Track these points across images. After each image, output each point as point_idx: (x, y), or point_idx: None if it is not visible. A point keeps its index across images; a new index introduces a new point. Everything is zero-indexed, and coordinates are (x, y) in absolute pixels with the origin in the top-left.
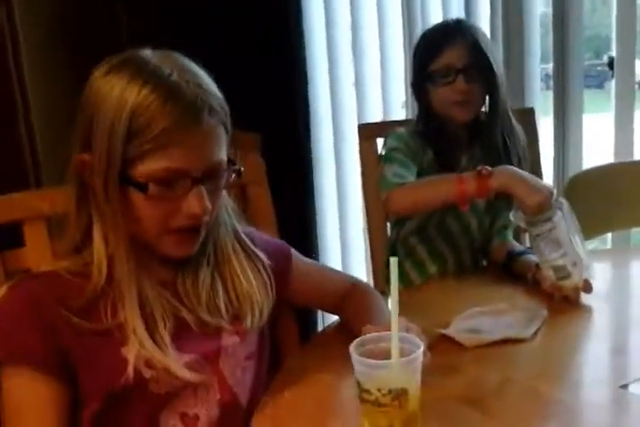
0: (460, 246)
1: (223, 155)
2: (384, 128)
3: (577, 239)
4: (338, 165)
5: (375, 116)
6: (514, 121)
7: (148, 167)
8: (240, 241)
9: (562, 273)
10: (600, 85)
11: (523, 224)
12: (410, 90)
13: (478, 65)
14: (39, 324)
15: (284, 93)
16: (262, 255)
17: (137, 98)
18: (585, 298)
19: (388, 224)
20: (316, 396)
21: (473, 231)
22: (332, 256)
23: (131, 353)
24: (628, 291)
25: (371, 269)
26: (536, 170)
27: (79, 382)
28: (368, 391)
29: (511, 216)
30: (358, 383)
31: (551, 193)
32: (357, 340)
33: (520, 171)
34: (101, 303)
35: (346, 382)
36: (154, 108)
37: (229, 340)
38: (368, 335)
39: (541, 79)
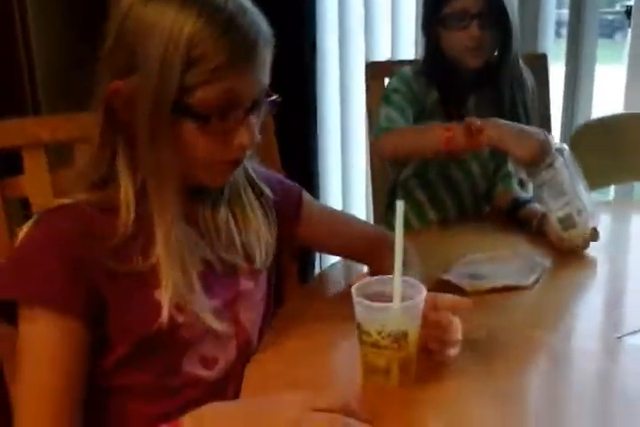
0: (462, 192)
1: (267, 88)
2: (392, 67)
3: (580, 187)
4: (343, 104)
5: (384, 54)
6: (523, 67)
7: (204, 97)
8: (247, 175)
9: (567, 223)
10: (610, 35)
11: (523, 175)
12: (420, 29)
13: (494, 11)
14: (67, 263)
15: (290, 27)
16: (268, 191)
17: (193, 28)
18: (590, 250)
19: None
20: (314, 338)
21: (475, 176)
22: (333, 196)
23: (164, 297)
24: (628, 244)
25: (372, 210)
26: (544, 116)
27: (107, 326)
28: (368, 333)
29: (510, 168)
30: (358, 325)
31: (544, 142)
32: (360, 282)
33: (510, 123)
34: (131, 243)
35: (346, 325)
36: (211, 40)
37: (246, 284)
38: (372, 278)
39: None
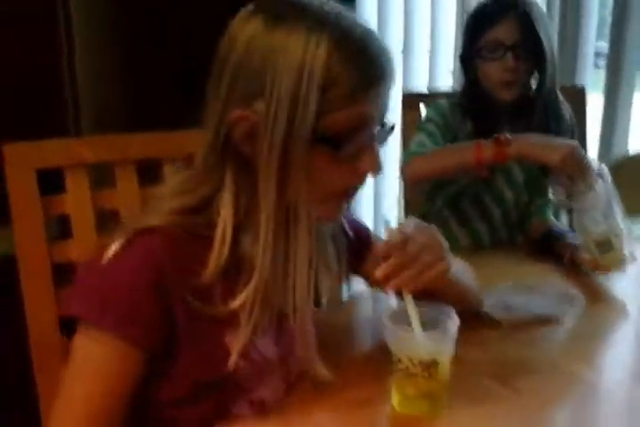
0: (495, 220)
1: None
2: (428, 98)
3: (618, 210)
4: None
5: (421, 85)
6: (561, 101)
7: (336, 123)
8: None
9: (605, 246)
10: None
11: (563, 197)
12: (458, 59)
13: (529, 43)
14: (153, 292)
15: None
16: (349, 233)
17: (325, 53)
18: (618, 280)
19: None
20: (349, 369)
21: (508, 205)
22: None
23: (235, 344)
24: None
25: None
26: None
27: (172, 362)
28: (400, 360)
29: (550, 193)
30: (392, 352)
31: (576, 148)
32: (394, 311)
33: (538, 135)
34: (218, 284)
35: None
36: (345, 65)
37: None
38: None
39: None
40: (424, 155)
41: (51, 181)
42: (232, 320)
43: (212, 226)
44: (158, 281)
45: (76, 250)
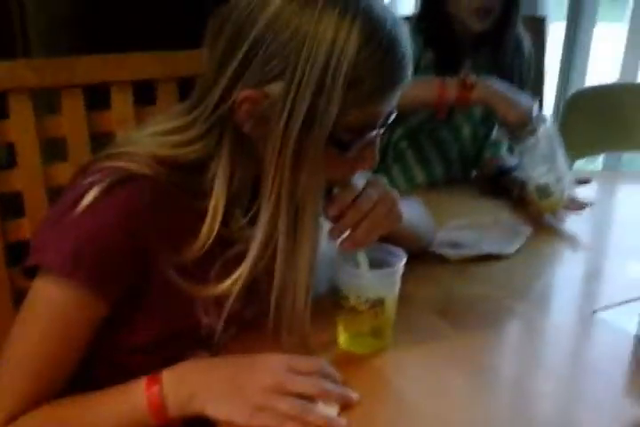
0: (451, 156)
1: None
2: None
3: (560, 157)
4: None
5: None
6: (523, 33)
7: (351, 121)
8: None
9: (544, 192)
10: None
11: (507, 140)
12: None
13: None
14: (135, 251)
15: None
16: None
17: (357, 44)
18: (569, 219)
19: None
20: None
21: (465, 141)
22: None
23: (201, 302)
24: (612, 216)
25: None
26: (539, 83)
27: (136, 315)
28: (346, 298)
29: (495, 132)
30: (338, 290)
31: (532, 107)
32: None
33: (502, 85)
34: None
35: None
36: (373, 62)
37: None
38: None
39: None
40: None
41: None
42: (196, 275)
43: (201, 194)
44: (135, 234)
45: (20, 179)
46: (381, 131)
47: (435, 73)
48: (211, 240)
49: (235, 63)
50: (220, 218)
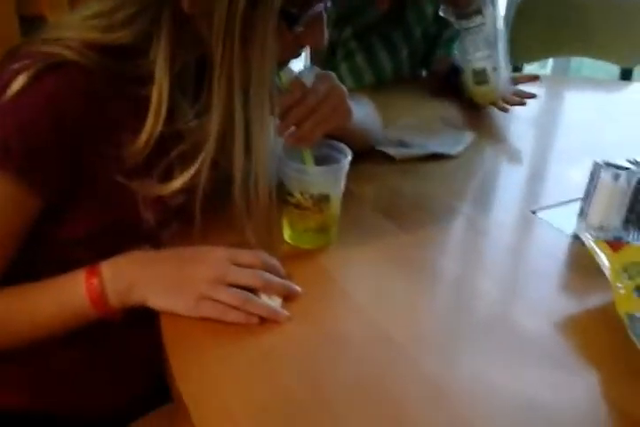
0: (401, 54)
1: None
2: None
3: (502, 47)
4: None
5: None
6: None
7: None
8: None
9: (480, 77)
10: None
11: (452, 18)
12: None
13: None
14: (65, 140)
15: None
16: None
17: None
18: (515, 122)
19: None
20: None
21: (415, 38)
22: None
23: (141, 195)
24: (558, 120)
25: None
26: None
27: (74, 206)
28: (291, 194)
29: (441, 11)
30: (284, 185)
31: None
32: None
33: None
34: (129, 122)
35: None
36: None
37: None
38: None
39: None
40: None
41: None
42: (139, 170)
43: (140, 81)
44: (68, 123)
45: None
46: (329, 3)
47: None
48: (158, 130)
49: None
50: (165, 104)
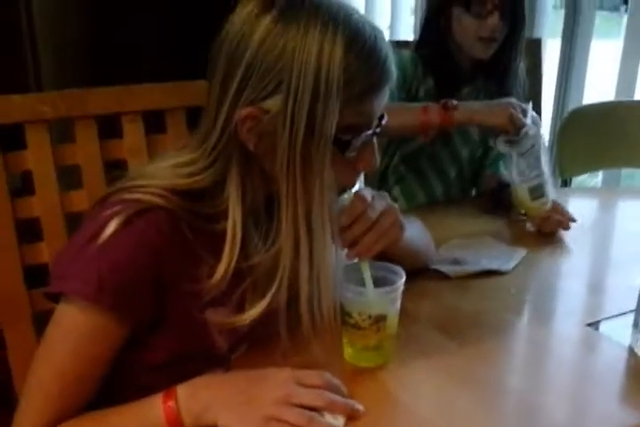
0: (450, 176)
1: None
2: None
3: (544, 158)
4: None
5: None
6: (520, 58)
7: (345, 122)
8: None
9: (536, 193)
10: (616, 8)
11: (505, 147)
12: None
13: (512, 2)
14: (147, 276)
15: None
16: None
17: (341, 52)
18: (568, 236)
19: None
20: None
21: (463, 161)
22: None
23: (211, 320)
24: (612, 231)
25: None
26: (536, 103)
27: (153, 336)
28: (350, 315)
29: (491, 143)
30: (342, 306)
31: (513, 106)
32: (346, 266)
33: (478, 102)
34: (206, 258)
35: None
36: (358, 64)
37: None
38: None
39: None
40: None
41: (12, 138)
42: (214, 300)
43: (217, 218)
44: (156, 262)
45: (38, 206)
46: (377, 130)
47: (434, 101)
48: (233, 263)
49: (233, 88)
50: (239, 237)
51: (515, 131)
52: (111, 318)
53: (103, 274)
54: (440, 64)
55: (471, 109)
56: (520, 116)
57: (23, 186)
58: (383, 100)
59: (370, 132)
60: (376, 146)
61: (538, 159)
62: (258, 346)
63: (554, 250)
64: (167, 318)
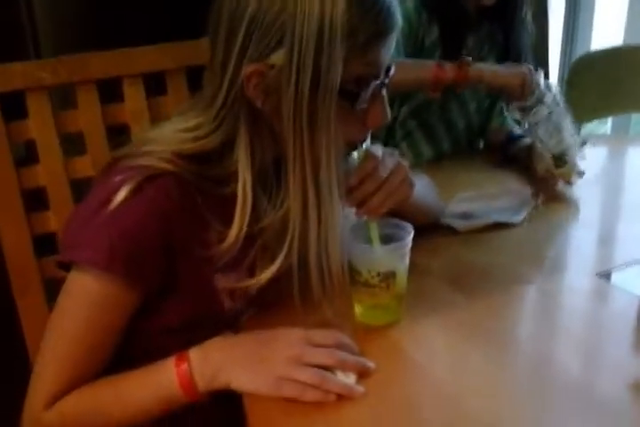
0: (457, 129)
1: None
2: None
3: (568, 124)
4: None
5: None
6: (526, 5)
7: (354, 73)
8: None
9: (560, 160)
10: None
11: (518, 115)
12: None
13: None
14: (159, 242)
15: None
16: None
17: (344, 4)
18: (577, 185)
19: None
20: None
21: (471, 113)
22: None
23: (221, 284)
24: (622, 179)
25: None
26: (543, 49)
27: (164, 300)
28: (359, 273)
29: (505, 112)
30: (350, 265)
31: (529, 72)
32: (354, 224)
33: (495, 64)
34: (215, 223)
35: None
36: (363, 12)
37: None
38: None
39: None
40: None
41: (13, 106)
42: (226, 265)
43: (226, 181)
44: (166, 229)
45: (43, 174)
46: (386, 81)
47: (439, 51)
48: (245, 227)
49: (237, 46)
50: (250, 200)
51: (524, 96)
52: (123, 286)
53: (114, 242)
54: (445, 7)
55: (487, 68)
56: (533, 82)
57: (27, 155)
58: (390, 49)
59: (378, 82)
60: (386, 99)
61: (558, 127)
62: (268, 308)
63: (563, 200)
64: (178, 283)
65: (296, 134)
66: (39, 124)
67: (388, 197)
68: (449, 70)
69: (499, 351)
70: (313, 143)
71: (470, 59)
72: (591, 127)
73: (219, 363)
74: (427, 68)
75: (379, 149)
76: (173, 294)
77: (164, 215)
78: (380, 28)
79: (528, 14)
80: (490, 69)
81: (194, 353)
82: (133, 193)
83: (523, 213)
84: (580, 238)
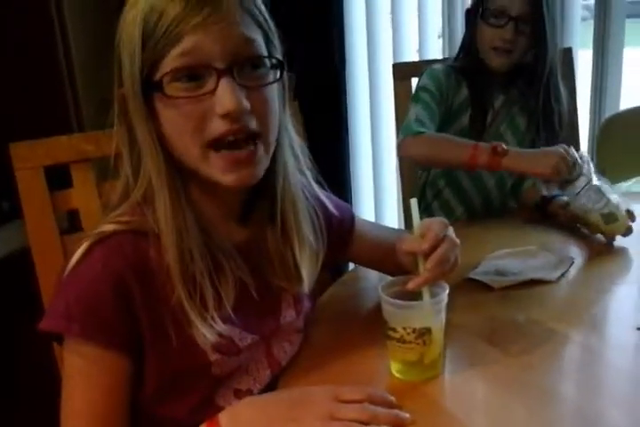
0: (488, 187)
1: (256, 47)
2: (419, 68)
3: (606, 186)
4: (372, 105)
5: (411, 47)
6: (559, 79)
7: (165, 65)
8: (306, 192)
9: (610, 218)
10: None
11: (557, 191)
12: (447, 21)
13: (532, 17)
14: (118, 300)
15: (318, 29)
16: (325, 211)
17: (132, 18)
18: (618, 241)
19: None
20: (345, 336)
21: (502, 173)
22: (365, 198)
23: (199, 337)
24: None
25: (402, 210)
26: (572, 113)
27: (145, 361)
28: (394, 329)
29: (544, 191)
30: (386, 322)
31: (563, 156)
32: (387, 281)
33: (531, 150)
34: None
35: (375, 324)
36: (141, 25)
37: (287, 316)
38: (397, 277)
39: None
40: (425, 139)
41: (59, 177)
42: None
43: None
44: (118, 285)
45: None
46: (250, 75)
47: (468, 111)
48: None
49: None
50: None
51: (559, 179)
52: (97, 348)
53: (70, 306)
54: (470, 73)
55: (519, 156)
56: (565, 165)
57: (70, 226)
58: (215, 31)
59: (213, 71)
60: (234, 86)
61: (598, 192)
62: (302, 366)
63: (603, 257)
64: (147, 338)
65: (150, 152)
66: (82, 195)
67: (445, 274)
68: (483, 155)
69: (542, 407)
70: (165, 158)
71: (504, 146)
72: (626, 186)
73: (251, 425)
74: (462, 151)
75: (435, 220)
76: (149, 351)
77: (114, 273)
78: (184, 8)
79: (558, 81)
80: (524, 159)
81: (224, 417)
82: (84, 256)
83: (559, 271)
84: (619, 293)
